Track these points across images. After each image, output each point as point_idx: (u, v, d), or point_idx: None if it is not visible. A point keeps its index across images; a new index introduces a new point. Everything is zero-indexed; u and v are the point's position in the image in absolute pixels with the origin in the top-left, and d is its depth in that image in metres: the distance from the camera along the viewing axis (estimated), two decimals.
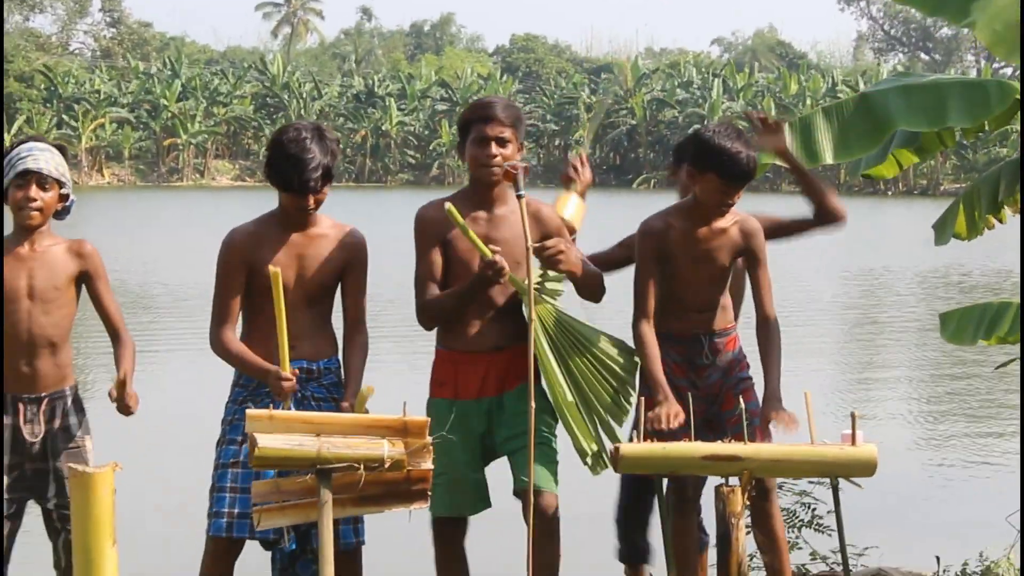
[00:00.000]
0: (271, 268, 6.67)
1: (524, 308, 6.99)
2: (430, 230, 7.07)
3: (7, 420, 6.75)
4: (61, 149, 6.98)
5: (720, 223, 7.27)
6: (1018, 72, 8.38)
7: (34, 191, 6.73)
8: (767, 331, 7.30)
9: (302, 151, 6.87)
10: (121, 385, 6.64)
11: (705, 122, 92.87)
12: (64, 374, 6.88)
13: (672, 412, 6.99)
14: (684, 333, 7.35)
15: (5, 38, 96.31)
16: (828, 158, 8.33)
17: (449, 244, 7.07)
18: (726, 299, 7.42)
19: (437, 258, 7.10)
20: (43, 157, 6.78)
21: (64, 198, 6.88)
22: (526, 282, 6.94)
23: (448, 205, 6.86)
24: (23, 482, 6.80)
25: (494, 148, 7.00)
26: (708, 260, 7.30)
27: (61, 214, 6.91)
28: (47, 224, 6.84)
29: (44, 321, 6.79)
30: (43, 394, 6.80)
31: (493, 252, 6.84)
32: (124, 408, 6.68)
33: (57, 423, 6.82)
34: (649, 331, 7.24)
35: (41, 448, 6.79)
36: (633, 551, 8.08)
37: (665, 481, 7.18)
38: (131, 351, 6.92)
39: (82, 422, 6.91)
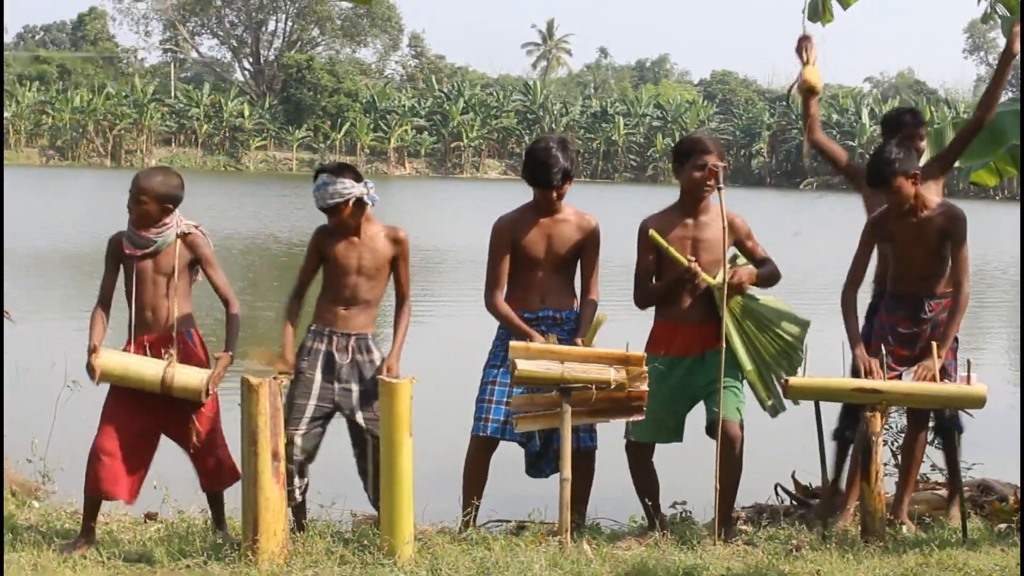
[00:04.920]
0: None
1: (715, 296, 7.02)
2: (647, 237, 7.10)
3: (322, 346, 6.91)
4: (345, 168, 6.98)
5: (926, 213, 7.16)
6: None
7: (347, 213, 6.85)
8: (953, 298, 7.18)
9: (547, 157, 7.03)
10: (388, 367, 6.83)
11: (855, 140, 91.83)
12: (369, 323, 6.99)
13: (866, 363, 7.02)
14: (909, 292, 7.28)
15: (338, 65, 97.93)
16: (955, 162, 8.07)
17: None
18: (944, 268, 7.24)
19: (650, 258, 7.16)
20: (329, 192, 6.82)
21: (362, 198, 6.86)
22: (720, 273, 7.00)
23: (652, 232, 7.04)
24: (330, 396, 6.91)
25: (709, 174, 7.03)
26: (919, 243, 7.19)
27: (368, 204, 6.94)
28: (364, 214, 6.90)
29: (365, 287, 6.93)
30: (352, 333, 6.92)
31: (690, 261, 6.96)
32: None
33: (366, 356, 6.92)
34: (851, 297, 7.23)
35: (347, 373, 6.89)
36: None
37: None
38: (405, 321, 7.02)
39: (382, 356, 6.97)
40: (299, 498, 6.93)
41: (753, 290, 7.23)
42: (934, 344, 7.03)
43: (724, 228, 6.96)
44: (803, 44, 7.87)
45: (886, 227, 7.24)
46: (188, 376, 6.57)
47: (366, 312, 6.95)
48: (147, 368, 6.55)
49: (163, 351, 6.62)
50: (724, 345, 6.93)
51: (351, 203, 6.83)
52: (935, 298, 7.26)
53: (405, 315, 7.04)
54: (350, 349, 6.90)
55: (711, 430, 7.02)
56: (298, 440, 6.84)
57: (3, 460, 7.75)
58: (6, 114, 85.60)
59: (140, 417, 6.66)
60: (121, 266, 6.77)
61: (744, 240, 7.19)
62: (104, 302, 6.80)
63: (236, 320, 6.80)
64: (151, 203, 6.65)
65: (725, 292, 6.94)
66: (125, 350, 6.69)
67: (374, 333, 7.03)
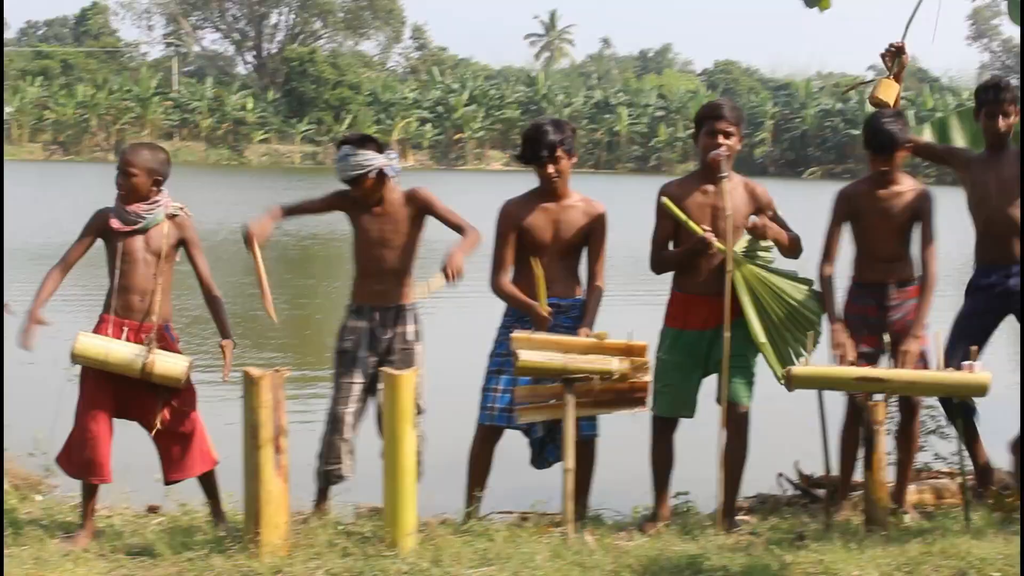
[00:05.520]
0: (535, 266, 6.87)
1: (727, 265, 6.97)
2: (664, 206, 7.05)
3: (365, 324, 6.99)
4: (368, 139, 7.05)
5: (898, 188, 7.12)
6: None
7: (368, 185, 6.91)
8: (922, 278, 7.11)
9: (536, 133, 7.06)
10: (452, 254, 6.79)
11: (859, 128, 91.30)
12: (405, 293, 7.05)
13: (841, 343, 6.98)
14: (875, 280, 7.20)
15: (340, 58, 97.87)
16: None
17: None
18: (910, 253, 7.20)
19: (668, 226, 7.12)
20: (351, 163, 6.90)
21: (384, 169, 6.92)
22: (738, 240, 6.99)
23: (664, 199, 6.99)
24: (373, 371, 6.99)
25: (721, 139, 7.00)
26: (888, 218, 7.13)
27: (389, 174, 6.97)
28: (386, 184, 6.97)
29: (392, 257, 6.99)
30: (391, 305, 6.99)
31: (704, 231, 6.91)
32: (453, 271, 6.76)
33: (399, 328, 6.99)
34: (826, 273, 7.17)
35: (387, 347, 6.99)
36: None
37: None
38: (470, 235, 6.95)
39: (416, 331, 7.09)
40: (348, 475, 7.07)
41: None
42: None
43: (728, 213, 6.93)
44: (892, 53, 7.62)
45: (857, 200, 7.22)
46: (168, 362, 6.59)
47: (401, 282, 7.03)
48: (128, 353, 6.55)
49: (144, 337, 6.63)
50: (728, 325, 6.90)
51: (372, 175, 6.89)
52: (900, 285, 7.18)
53: (469, 233, 6.96)
54: (390, 322, 7.01)
55: (720, 404, 7.04)
56: (348, 419, 6.97)
57: (2, 454, 7.74)
58: (8, 109, 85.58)
59: (113, 397, 6.66)
60: (104, 243, 6.74)
61: (765, 210, 7.18)
62: (65, 266, 6.77)
63: (222, 303, 6.85)
64: (141, 175, 6.65)
65: (731, 263, 6.92)
66: (99, 329, 6.67)
67: (414, 303, 7.10)
